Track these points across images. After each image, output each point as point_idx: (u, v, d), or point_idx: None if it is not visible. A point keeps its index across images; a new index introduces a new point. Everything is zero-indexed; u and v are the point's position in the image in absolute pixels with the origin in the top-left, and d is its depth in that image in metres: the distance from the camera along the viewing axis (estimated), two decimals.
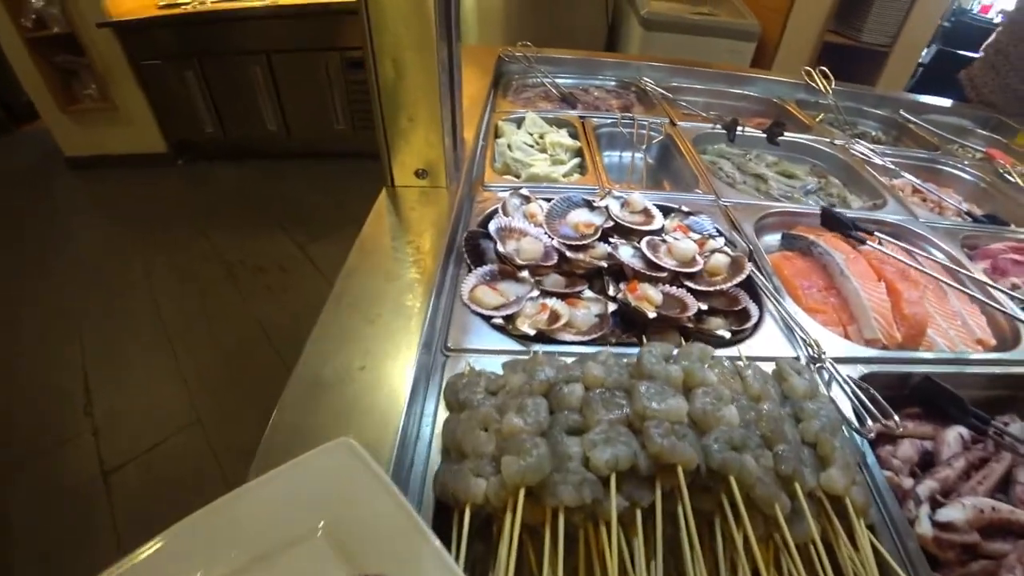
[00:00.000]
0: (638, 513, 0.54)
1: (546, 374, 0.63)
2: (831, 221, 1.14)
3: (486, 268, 0.90)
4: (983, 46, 2.36)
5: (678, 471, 0.54)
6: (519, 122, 1.51)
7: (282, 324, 2.76)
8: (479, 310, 0.82)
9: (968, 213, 1.49)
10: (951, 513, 0.70)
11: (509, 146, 1.35)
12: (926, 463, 0.82)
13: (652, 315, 0.80)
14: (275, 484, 0.53)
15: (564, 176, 1.28)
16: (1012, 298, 1.14)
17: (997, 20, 4.75)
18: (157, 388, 2.41)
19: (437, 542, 0.47)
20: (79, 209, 3.73)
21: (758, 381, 0.67)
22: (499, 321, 0.80)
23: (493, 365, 0.74)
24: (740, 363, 0.71)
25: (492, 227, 0.95)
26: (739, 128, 1.57)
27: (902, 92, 2.23)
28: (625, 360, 0.68)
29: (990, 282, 1.15)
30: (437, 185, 1.02)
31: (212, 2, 3.61)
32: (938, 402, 0.86)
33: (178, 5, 3.55)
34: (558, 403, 0.61)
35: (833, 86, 1.96)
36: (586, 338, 0.79)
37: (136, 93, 3.71)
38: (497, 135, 1.44)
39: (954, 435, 0.84)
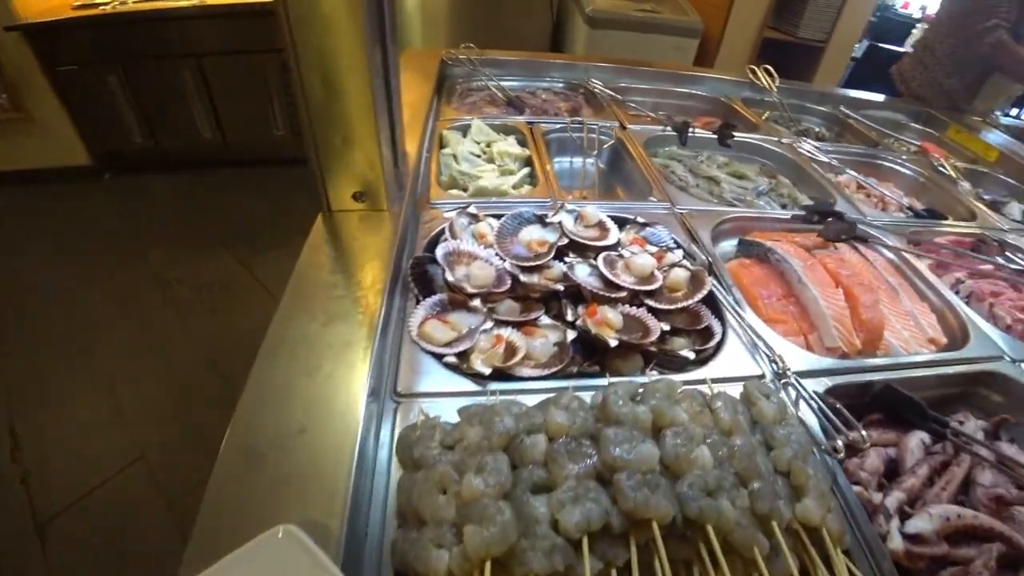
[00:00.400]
0: (613, 573, 0.50)
1: (505, 425, 0.57)
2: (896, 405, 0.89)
3: (435, 298, 0.84)
4: (912, 43, 2.46)
5: (653, 526, 0.50)
6: (464, 130, 1.44)
7: (228, 346, 2.60)
8: (429, 348, 0.76)
9: (910, 207, 1.53)
10: (919, 524, 0.71)
11: (455, 157, 1.29)
12: (891, 471, 0.82)
13: (614, 343, 0.76)
14: None
15: (514, 187, 1.22)
16: (956, 293, 1.18)
17: (917, 16, 5.01)
18: (94, 425, 2.22)
19: None
20: None
21: (728, 412, 0.64)
22: (451, 359, 0.74)
23: (449, 409, 0.68)
24: (707, 392, 0.68)
25: (439, 253, 0.88)
26: (690, 130, 1.55)
27: (841, 89, 2.29)
28: (589, 401, 0.63)
29: (937, 282, 1.18)
30: (378, 208, 0.94)
31: (134, 2, 3.36)
32: (899, 408, 0.87)
33: (96, 5, 3.28)
34: (520, 457, 0.56)
35: (777, 84, 1.98)
36: (546, 372, 0.74)
37: (53, 102, 3.42)
38: (442, 145, 1.37)
39: (916, 442, 0.84)
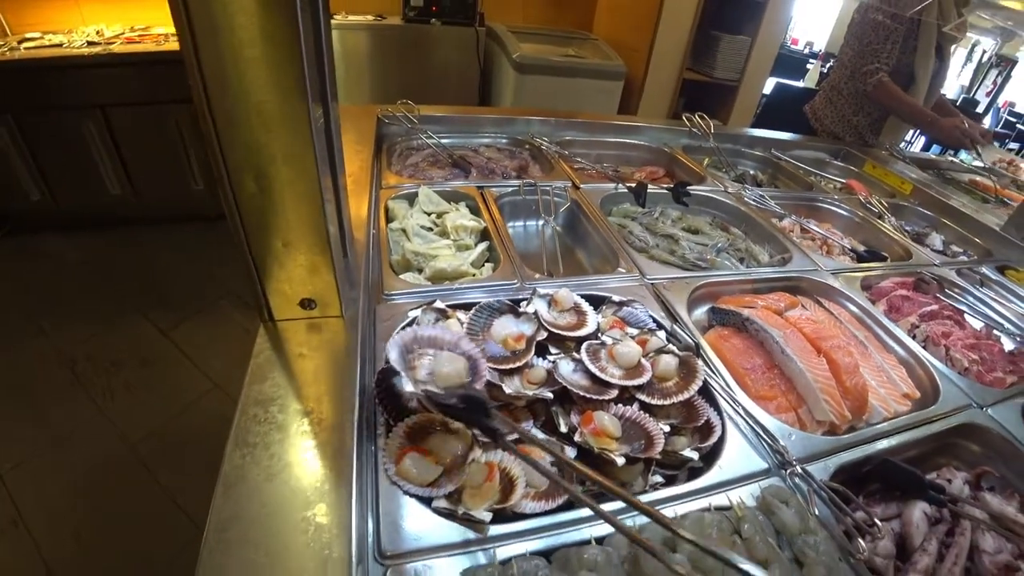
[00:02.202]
0: None
1: None
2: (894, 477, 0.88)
3: (409, 421, 0.73)
4: (821, 84, 2.66)
5: None
6: (411, 199, 1.36)
7: (153, 432, 2.32)
8: (413, 490, 0.65)
9: (852, 249, 1.59)
10: None
11: (405, 232, 1.20)
12: (900, 545, 0.81)
13: (620, 461, 0.68)
14: None
15: (474, 265, 1.14)
16: (914, 338, 1.22)
17: (806, 51, 5.49)
18: None
19: None
20: None
21: (759, 536, 0.58)
22: (442, 504, 0.64)
23: (447, 570, 0.58)
24: (728, 507, 0.62)
25: (393, 356, 0.75)
26: (646, 191, 1.54)
27: (769, 132, 2.41)
28: (614, 549, 0.55)
29: (897, 330, 1.21)
30: (330, 315, 0.83)
31: (26, 48, 3.06)
32: (897, 481, 0.85)
33: None
34: None
35: (712, 130, 2.03)
36: (553, 504, 0.66)
37: None
38: (389, 219, 1.27)
39: (919, 515, 0.84)
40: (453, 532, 0.62)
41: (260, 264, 0.77)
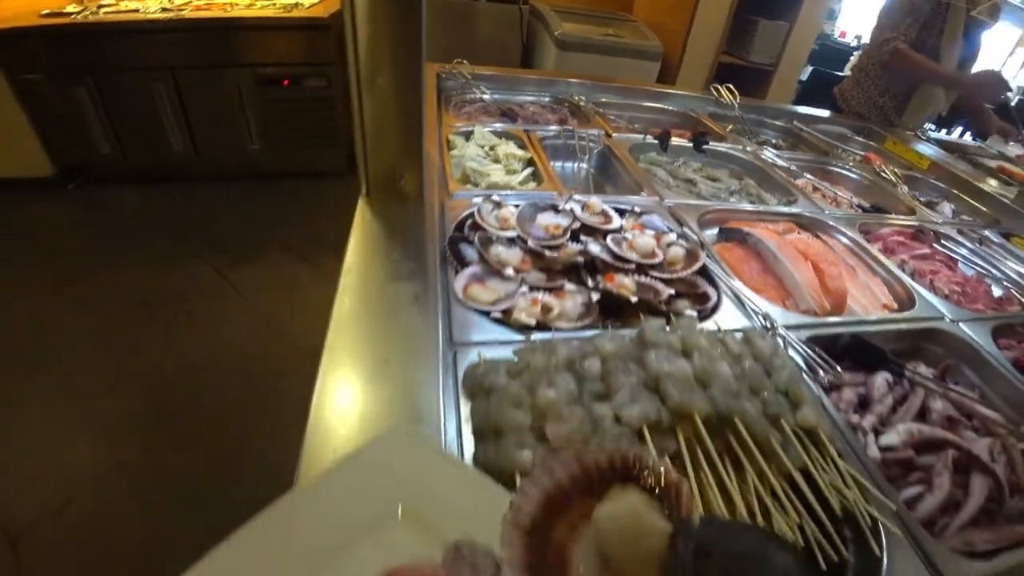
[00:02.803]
0: (666, 459, 0.62)
1: (565, 352, 0.70)
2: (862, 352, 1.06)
3: (471, 269, 0.96)
4: (850, 67, 2.78)
5: (695, 419, 0.63)
6: (467, 136, 1.57)
7: (209, 357, 2.60)
8: (476, 306, 0.87)
9: (859, 205, 1.75)
10: (890, 438, 0.87)
11: (463, 158, 1.42)
12: (863, 404, 0.98)
13: (634, 299, 0.89)
14: (339, 478, 0.54)
15: (520, 184, 1.36)
16: (903, 271, 1.38)
17: (853, 44, 5.53)
18: (66, 436, 2.16)
19: (507, 495, 0.52)
20: None
21: (735, 345, 0.78)
22: (498, 314, 0.86)
23: (500, 355, 0.80)
24: (718, 332, 0.82)
25: (475, 237, 1.00)
26: (670, 139, 1.73)
27: (794, 105, 2.55)
28: (628, 337, 0.76)
29: (887, 261, 1.38)
30: (413, 194, 1.06)
31: (104, 12, 3.35)
32: (864, 355, 1.03)
33: (65, 14, 3.25)
34: (580, 375, 0.68)
35: (738, 101, 2.20)
36: (579, 324, 0.87)
37: (14, 110, 3.33)
38: (450, 148, 1.50)
39: (881, 379, 1.01)
40: (505, 334, 0.84)
41: (368, 147, 1.00)
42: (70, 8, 3.38)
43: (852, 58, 5.51)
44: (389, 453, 0.56)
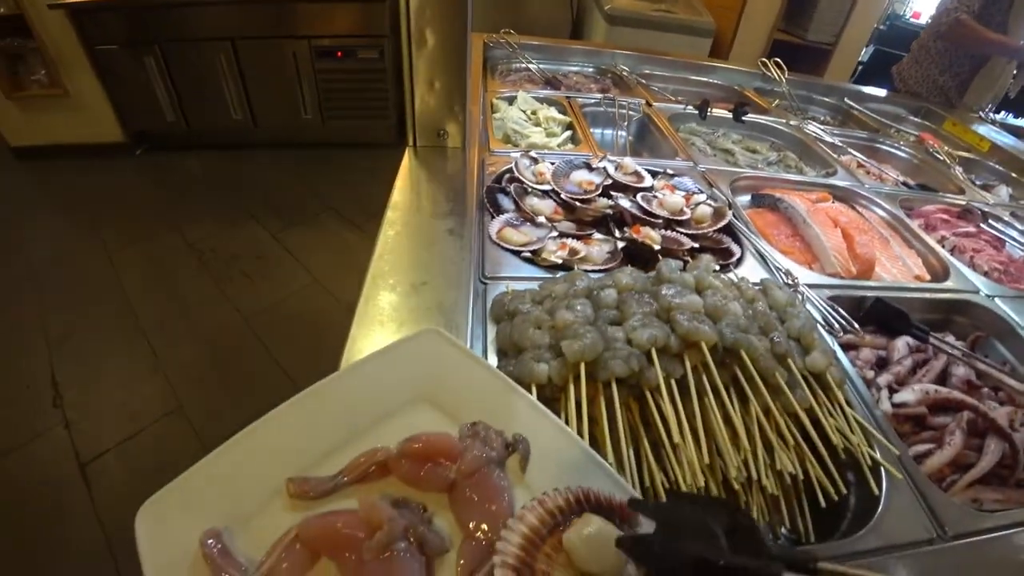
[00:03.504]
0: (672, 383, 0.67)
1: (584, 283, 0.75)
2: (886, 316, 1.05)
3: (506, 215, 1.02)
4: (912, 43, 2.66)
5: (702, 347, 0.68)
6: (511, 100, 1.63)
7: (262, 311, 2.76)
8: (509, 246, 0.93)
9: (904, 183, 1.71)
10: (904, 396, 0.89)
11: (504, 121, 1.47)
12: (881, 365, 0.99)
13: (657, 247, 0.94)
14: (373, 365, 0.62)
15: (559, 146, 1.41)
16: (942, 246, 1.36)
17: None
18: (133, 379, 2.36)
19: (525, 393, 0.59)
20: (30, 202, 3.54)
21: (751, 290, 0.82)
22: (528, 254, 0.92)
23: (525, 286, 0.86)
24: (735, 278, 0.86)
25: (511, 187, 1.06)
26: (709, 108, 1.74)
27: (846, 82, 2.48)
28: (646, 275, 0.81)
29: (924, 234, 1.36)
30: (455, 146, 1.13)
31: None
32: (887, 318, 1.04)
33: None
34: (597, 304, 0.74)
35: (786, 76, 2.17)
36: (603, 267, 0.92)
37: (90, 79, 3.54)
38: (493, 111, 1.55)
39: (902, 342, 1.02)
40: (533, 271, 0.91)
41: (417, 100, 1.07)
42: None
43: None
44: (420, 348, 0.64)
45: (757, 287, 0.86)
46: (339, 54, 3.77)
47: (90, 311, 2.69)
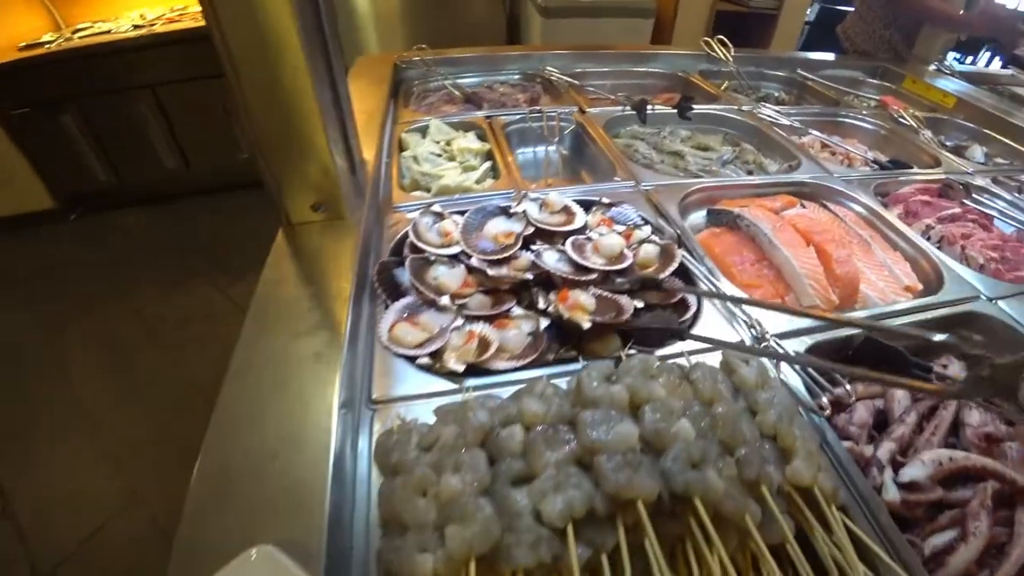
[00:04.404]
0: (603, 558, 0.48)
1: (479, 420, 0.56)
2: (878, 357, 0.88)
3: (404, 301, 0.82)
4: (854, 0, 2.50)
5: (638, 505, 0.49)
6: (423, 131, 1.42)
7: (218, 377, 2.55)
8: (401, 351, 0.74)
9: (874, 161, 1.54)
10: (913, 472, 0.71)
11: (415, 159, 1.27)
12: (881, 422, 0.82)
13: (587, 325, 0.74)
14: None
15: (477, 183, 1.20)
16: (928, 239, 1.19)
17: None
18: (86, 473, 2.16)
19: None
20: None
21: (707, 382, 0.63)
22: (425, 360, 0.72)
23: (426, 411, 0.66)
24: (685, 365, 0.67)
25: (406, 264, 0.86)
26: (648, 108, 1.54)
27: (796, 52, 2.31)
28: (565, 386, 0.62)
29: (907, 230, 1.18)
30: (338, 217, 0.92)
31: (80, 37, 3.29)
32: (882, 359, 0.86)
33: (42, 44, 3.21)
34: (498, 451, 0.54)
35: (732, 53, 1.98)
36: (522, 362, 0.73)
37: (6, 146, 3.32)
38: (402, 148, 1.35)
39: (901, 391, 0.84)
40: (433, 382, 0.71)
41: (276, 173, 0.87)
42: (46, 37, 3.35)
43: None
44: None
45: (714, 369, 0.68)
46: None
47: (34, 400, 2.46)
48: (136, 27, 3.40)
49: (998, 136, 1.79)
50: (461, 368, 0.70)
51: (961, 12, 2.18)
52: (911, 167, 1.51)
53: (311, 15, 0.83)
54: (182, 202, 3.84)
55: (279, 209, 0.91)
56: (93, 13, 3.62)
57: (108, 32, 3.37)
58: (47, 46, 3.21)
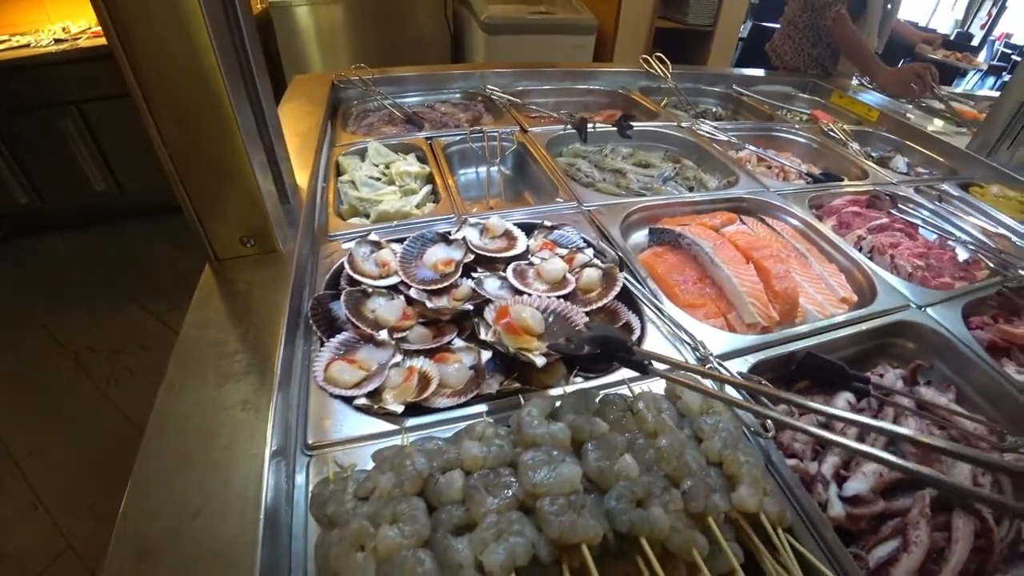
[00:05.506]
0: None
1: (417, 467, 0.53)
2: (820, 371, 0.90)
3: (340, 338, 0.79)
4: (780, 19, 2.62)
5: (583, 549, 0.47)
6: (362, 154, 1.38)
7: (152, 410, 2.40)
8: (337, 392, 0.70)
9: (808, 173, 1.60)
10: (856, 485, 0.73)
11: (353, 183, 1.23)
12: (824, 443, 0.83)
13: (540, 362, 0.72)
14: None
15: (417, 207, 1.17)
16: (860, 250, 1.24)
17: None
18: (9, 522, 1.97)
19: None
20: None
21: (651, 412, 0.62)
22: (362, 401, 0.69)
23: (365, 455, 0.63)
24: (629, 395, 0.66)
25: (342, 298, 0.82)
26: (589, 126, 1.55)
27: (731, 68, 2.40)
28: (507, 425, 0.60)
29: (841, 242, 1.23)
30: (269, 250, 0.87)
31: None
32: (822, 373, 0.88)
33: None
34: (437, 498, 0.52)
35: (671, 70, 2.03)
36: (464, 399, 0.70)
37: None
38: (340, 172, 1.30)
39: (842, 403, 0.87)
40: (372, 424, 0.67)
41: (197, 206, 0.81)
42: None
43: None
44: None
45: (658, 397, 0.67)
46: None
47: None
48: (58, 41, 3.20)
49: (917, 147, 1.90)
50: (400, 409, 0.67)
51: (876, 56, 2.33)
52: (842, 179, 1.58)
53: (230, 35, 0.79)
54: (114, 225, 3.62)
55: (204, 244, 0.85)
56: (10, 24, 3.39)
57: (27, 46, 3.16)
58: None
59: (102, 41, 3.18)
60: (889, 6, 2.41)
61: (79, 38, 3.25)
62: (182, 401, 0.65)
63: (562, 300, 0.84)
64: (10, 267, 3.37)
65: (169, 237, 3.53)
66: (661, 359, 0.66)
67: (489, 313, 0.79)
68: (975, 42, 6.43)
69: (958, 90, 2.87)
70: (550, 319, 0.82)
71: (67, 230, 3.57)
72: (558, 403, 0.61)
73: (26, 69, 3.02)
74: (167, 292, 3.09)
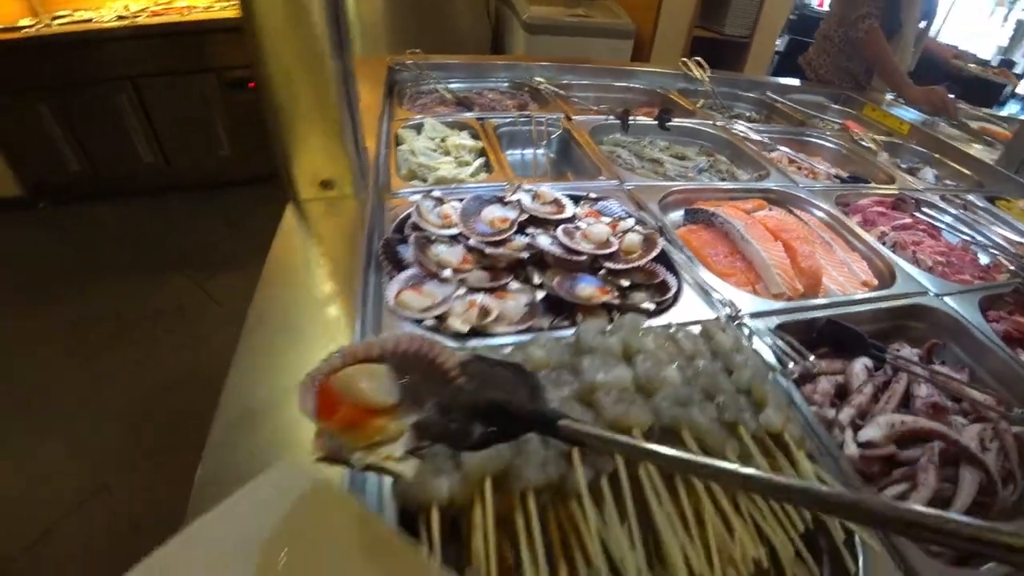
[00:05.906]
0: (604, 480, 0.54)
1: None
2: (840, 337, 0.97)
3: (408, 272, 0.88)
4: (815, 33, 2.69)
5: (635, 432, 0.55)
6: (418, 128, 1.49)
7: (190, 370, 2.52)
8: (408, 314, 0.79)
9: (836, 175, 1.67)
10: (870, 432, 0.79)
11: (412, 152, 1.33)
12: (841, 394, 0.91)
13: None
14: (216, 525, 0.47)
15: (471, 176, 1.27)
16: (883, 244, 1.31)
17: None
18: (50, 465, 2.09)
19: (403, 540, 0.45)
20: None
21: (689, 342, 0.71)
22: (431, 323, 0.78)
23: None
24: (670, 330, 0.74)
25: (410, 240, 0.92)
26: (631, 118, 1.64)
27: (768, 76, 2.47)
28: (564, 341, 0.68)
29: (865, 235, 1.29)
30: (344, 195, 0.98)
31: (59, 24, 3.24)
32: (842, 340, 0.96)
33: (18, 28, 3.15)
34: None
35: (708, 74, 2.11)
36: (520, 327, 0.79)
37: None
38: (398, 143, 1.41)
39: (860, 366, 0.93)
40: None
41: (290, 150, 0.92)
42: (23, 22, 3.28)
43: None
44: (272, 494, 0.49)
45: (696, 332, 0.75)
46: (251, 84, 3.55)
47: None
48: (120, 18, 3.37)
49: (947, 161, 1.95)
50: (465, 329, 0.76)
51: (904, 73, 2.39)
52: (869, 182, 1.64)
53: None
54: (159, 197, 3.77)
55: (287, 185, 0.96)
56: (74, 1, 3.58)
57: (89, 21, 3.32)
58: (24, 31, 3.15)
59: (161, 19, 3.35)
60: (923, 23, 2.46)
61: (139, 16, 3.41)
62: (276, 304, 0.74)
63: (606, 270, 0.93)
64: (56, 232, 3.53)
65: (214, 214, 3.67)
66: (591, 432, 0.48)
67: (546, 274, 0.88)
68: (1019, 68, 6.38)
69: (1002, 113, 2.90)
70: (404, 379, 0.55)
71: (114, 199, 3.72)
72: (609, 326, 0.69)
73: (88, 43, 3.18)
74: (207, 262, 3.22)
